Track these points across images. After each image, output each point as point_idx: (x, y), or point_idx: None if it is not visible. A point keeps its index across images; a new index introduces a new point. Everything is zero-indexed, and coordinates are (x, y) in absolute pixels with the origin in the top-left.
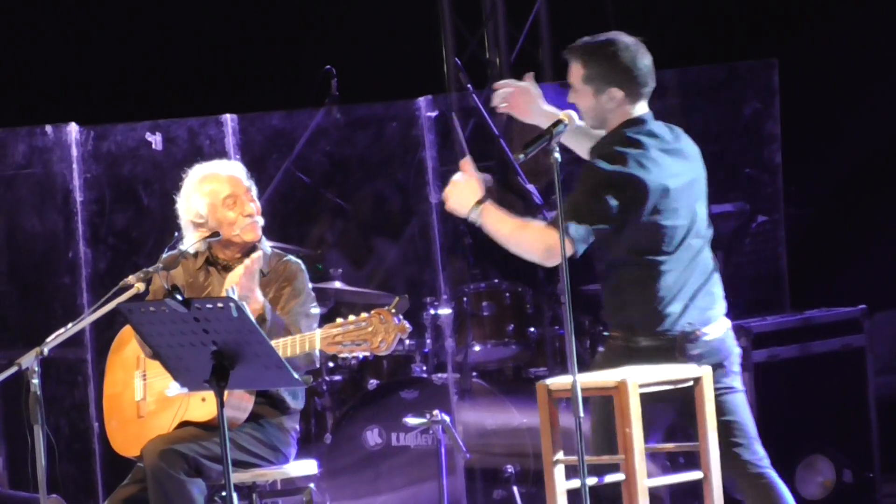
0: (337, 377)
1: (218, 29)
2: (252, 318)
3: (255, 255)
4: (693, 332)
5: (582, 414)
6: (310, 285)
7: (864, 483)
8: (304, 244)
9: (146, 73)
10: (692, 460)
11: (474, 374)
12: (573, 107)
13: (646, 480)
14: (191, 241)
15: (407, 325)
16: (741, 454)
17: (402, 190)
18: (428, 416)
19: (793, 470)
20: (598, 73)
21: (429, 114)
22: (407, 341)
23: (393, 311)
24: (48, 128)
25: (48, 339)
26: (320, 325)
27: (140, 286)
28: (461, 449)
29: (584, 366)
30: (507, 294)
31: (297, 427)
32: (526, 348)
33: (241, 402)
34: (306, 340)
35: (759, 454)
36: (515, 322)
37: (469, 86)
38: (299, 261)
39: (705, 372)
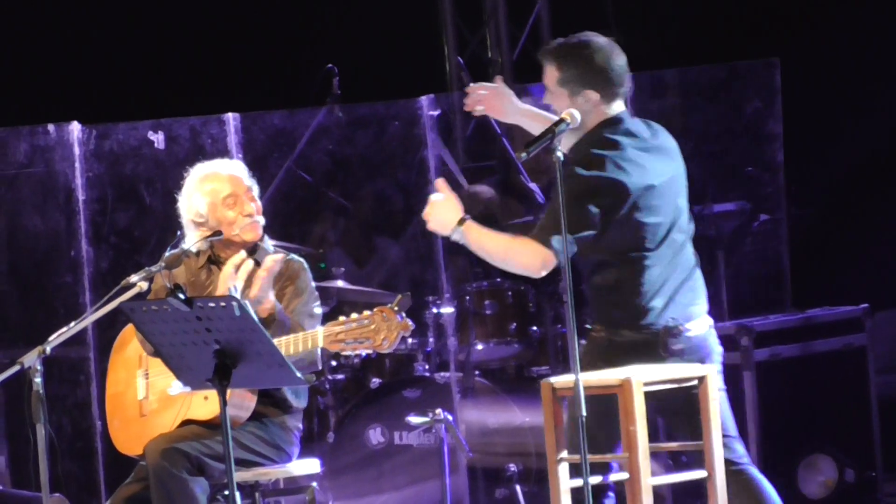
0: (339, 376)
1: (220, 28)
2: (254, 316)
3: (277, 257)
4: (676, 327)
5: (584, 413)
6: (313, 284)
7: (866, 482)
8: (306, 243)
9: (148, 72)
10: (692, 459)
11: (477, 372)
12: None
13: (649, 479)
14: (192, 240)
15: (409, 322)
16: (730, 455)
17: (404, 189)
18: (430, 414)
19: (794, 469)
20: (572, 75)
21: (430, 113)
22: (409, 340)
23: (395, 308)
24: (50, 127)
25: (50, 338)
26: (323, 324)
27: (142, 285)
28: (464, 448)
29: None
30: (510, 293)
31: (300, 426)
32: (528, 347)
33: (243, 401)
34: (309, 338)
35: (738, 452)
36: (518, 321)
37: (471, 85)
38: (302, 260)
39: (710, 370)
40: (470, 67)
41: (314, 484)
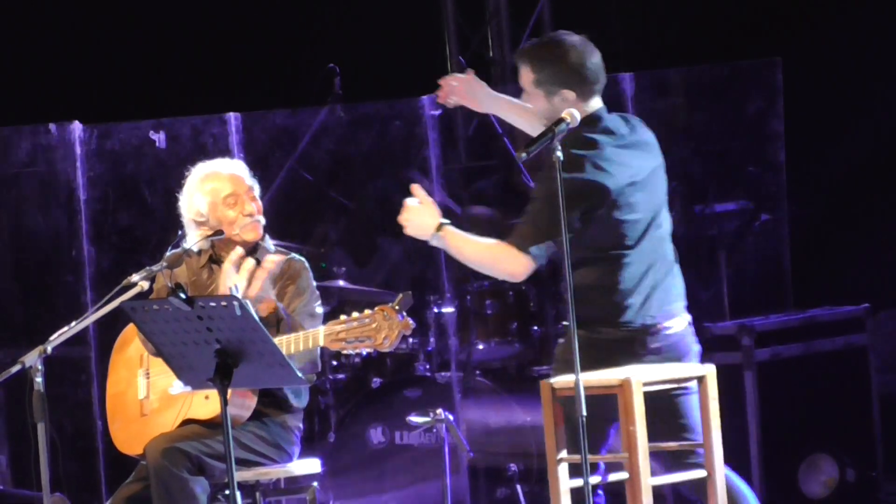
0: (340, 375)
1: (221, 27)
2: (256, 316)
3: (275, 258)
4: (654, 325)
5: (584, 413)
6: (314, 284)
7: (867, 482)
8: (307, 242)
9: (150, 71)
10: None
11: (478, 372)
12: None
13: (649, 479)
14: (193, 239)
15: (411, 321)
16: (695, 458)
17: (406, 188)
18: (431, 414)
19: (796, 468)
20: (547, 76)
21: (432, 112)
22: (410, 340)
23: (396, 307)
24: (52, 126)
25: (52, 338)
26: (324, 323)
27: (143, 285)
28: (465, 447)
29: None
30: (511, 292)
31: (301, 425)
32: (529, 347)
33: (244, 401)
34: (310, 337)
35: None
36: (519, 320)
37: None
38: (303, 259)
39: (710, 370)
40: (472, 67)
41: (315, 484)
